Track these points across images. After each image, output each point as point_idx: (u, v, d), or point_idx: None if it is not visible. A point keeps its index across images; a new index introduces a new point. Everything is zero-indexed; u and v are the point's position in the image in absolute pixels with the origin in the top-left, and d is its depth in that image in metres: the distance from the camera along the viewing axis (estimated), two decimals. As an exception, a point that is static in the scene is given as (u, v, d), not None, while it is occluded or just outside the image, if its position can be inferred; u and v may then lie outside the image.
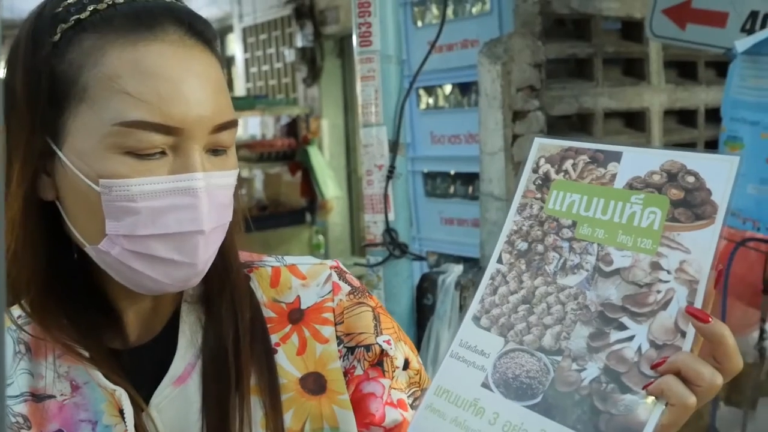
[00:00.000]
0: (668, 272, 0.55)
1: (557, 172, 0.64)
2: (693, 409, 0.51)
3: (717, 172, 0.56)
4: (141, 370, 0.63)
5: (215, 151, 0.61)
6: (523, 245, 0.63)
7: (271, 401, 0.65)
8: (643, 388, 0.53)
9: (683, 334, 0.53)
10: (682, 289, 0.54)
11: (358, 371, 0.68)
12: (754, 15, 1.86)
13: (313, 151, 4.89)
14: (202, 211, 0.58)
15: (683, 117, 2.57)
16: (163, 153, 0.58)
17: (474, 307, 0.63)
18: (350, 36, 1.86)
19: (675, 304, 0.54)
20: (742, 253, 1.99)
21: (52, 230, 0.61)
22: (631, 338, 0.55)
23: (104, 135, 0.56)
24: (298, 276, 0.72)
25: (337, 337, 0.69)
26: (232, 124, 0.61)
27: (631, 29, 2.39)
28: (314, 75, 5.05)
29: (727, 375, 0.52)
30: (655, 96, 2.41)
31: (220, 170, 0.60)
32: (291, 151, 5.01)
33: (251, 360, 0.65)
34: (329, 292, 0.71)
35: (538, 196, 0.64)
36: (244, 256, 0.71)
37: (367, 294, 0.73)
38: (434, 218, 2.68)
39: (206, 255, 0.60)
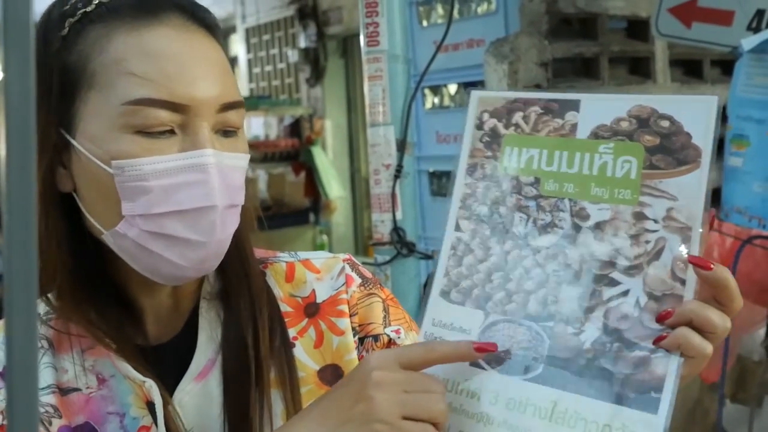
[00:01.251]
0: (655, 221, 0.52)
1: (506, 127, 0.59)
2: (709, 358, 0.50)
3: (694, 114, 0.53)
4: (163, 367, 0.64)
5: (225, 132, 0.62)
6: (482, 209, 0.59)
7: (291, 394, 0.66)
8: (654, 342, 0.50)
9: (682, 282, 0.51)
10: (674, 237, 0.52)
11: None
12: (760, 13, 1.86)
13: (316, 152, 4.90)
14: (214, 187, 0.58)
15: (688, 115, 2.58)
16: (172, 132, 0.59)
17: (439, 281, 0.58)
18: (353, 36, 1.87)
19: (668, 252, 0.52)
20: (748, 250, 1.99)
21: (71, 223, 0.62)
22: (626, 293, 0.52)
23: (113, 116, 0.58)
24: (313, 270, 0.73)
25: (352, 329, 0.70)
26: (239, 104, 0.62)
27: (637, 28, 2.39)
28: (317, 75, 5.06)
29: (732, 315, 0.51)
30: (661, 94, 2.41)
31: (231, 151, 0.61)
32: (294, 151, 5.02)
33: (270, 354, 0.66)
34: (343, 285, 0.72)
35: (489, 154, 0.59)
36: (258, 252, 0.72)
37: (378, 285, 0.74)
38: (440, 217, 2.68)
39: (222, 234, 0.60)
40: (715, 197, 2.47)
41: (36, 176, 0.24)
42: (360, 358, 0.69)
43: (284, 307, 0.70)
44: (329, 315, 0.71)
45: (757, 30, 1.83)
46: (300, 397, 0.66)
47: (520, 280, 0.56)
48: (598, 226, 0.54)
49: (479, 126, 0.60)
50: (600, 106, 0.56)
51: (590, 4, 2.23)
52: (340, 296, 0.71)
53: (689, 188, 0.52)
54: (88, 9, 0.60)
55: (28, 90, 0.23)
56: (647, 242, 0.52)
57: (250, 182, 0.68)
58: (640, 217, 0.53)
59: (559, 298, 0.54)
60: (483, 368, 0.54)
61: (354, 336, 0.70)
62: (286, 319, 0.70)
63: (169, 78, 0.58)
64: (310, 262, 0.74)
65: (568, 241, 0.55)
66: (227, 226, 0.60)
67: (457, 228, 0.59)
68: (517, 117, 0.59)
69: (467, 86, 2.60)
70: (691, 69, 2.57)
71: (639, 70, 2.42)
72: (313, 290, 0.72)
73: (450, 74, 2.55)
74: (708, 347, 0.50)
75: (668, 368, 0.50)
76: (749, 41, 1.70)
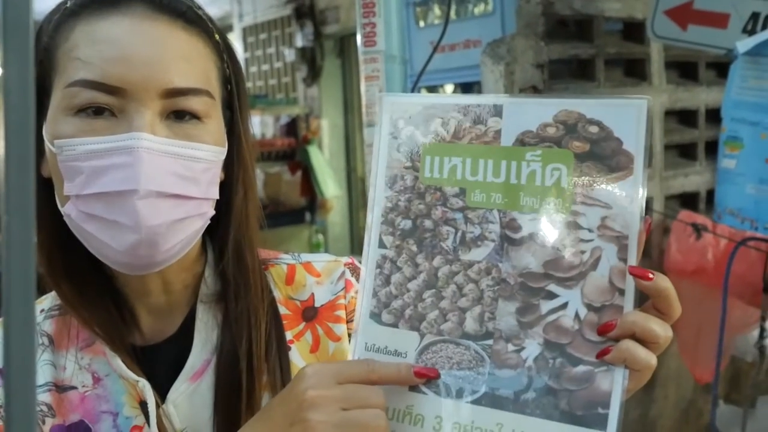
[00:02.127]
0: (589, 231, 0.51)
1: (425, 135, 0.56)
2: (653, 369, 0.49)
3: (624, 119, 0.51)
4: (156, 367, 0.64)
5: (180, 117, 0.60)
6: (405, 223, 0.56)
7: None
8: (598, 356, 0.49)
9: (621, 292, 0.49)
10: (610, 247, 0.50)
11: None
12: (755, 16, 1.87)
13: (312, 151, 4.90)
14: (138, 171, 0.56)
15: (684, 117, 2.58)
16: (113, 115, 0.58)
17: (368, 302, 0.56)
18: (350, 36, 1.87)
19: (605, 262, 0.50)
20: (742, 252, 2.00)
21: (57, 210, 0.62)
22: (564, 305, 0.50)
23: (59, 99, 0.59)
24: (313, 273, 0.73)
25: (349, 335, 0.70)
26: (192, 92, 0.60)
27: (633, 30, 2.40)
28: (314, 75, 5.05)
29: (671, 323, 0.50)
30: (656, 96, 2.42)
31: (182, 138, 0.59)
32: (291, 150, 5.02)
33: (265, 360, 0.66)
34: (342, 290, 0.72)
35: (408, 164, 0.56)
36: (260, 253, 0.71)
37: None
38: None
39: (154, 221, 0.57)
40: (709, 199, 2.48)
41: (34, 174, 0.24)
42: None
43: (282, 310, 0.70)
44: (327, 320, 0.70)
45: (752, 33, 1.84)
46: None
47: (453, 297, 0.53)
48: (531, 238, 0.52)
49: (395, 135, 0.56)
50: (524, 111, 0.53)
51: (586, 6, 2.23)
52: (338, 301, 0.71)
53: (623, 196, 0.50)
54: (68, 5, 0.61)
55: (28, 88, 0.23)
56: (583, 252, 0.50)
57: (249, 185, 0.67)
58: (573, 226, 0.51)
59: (496, 315, 0.52)
60: (423, 392, 0.52)
61: (350, 342, 0.70)
62: (283, 322, 0.69)
63: (106, 60, 0.57)
64: (311, 265, 0.73)
65: (500, 254, 0.52)
66: (160, 214, 0.57)
67: (381, 245, 0.56)
68: (436, 124, 0.56)
69: (464, 87, 2.60)
70: (686, 71, 2.58)
71: (635, 72, 2.43)
72: (312, 294, 0.71)
73: (446, 75, 2.55)
74: (653, 359, 0.49)
75: (614, 383, 0.48)
76: (744, 44, 1.70)
